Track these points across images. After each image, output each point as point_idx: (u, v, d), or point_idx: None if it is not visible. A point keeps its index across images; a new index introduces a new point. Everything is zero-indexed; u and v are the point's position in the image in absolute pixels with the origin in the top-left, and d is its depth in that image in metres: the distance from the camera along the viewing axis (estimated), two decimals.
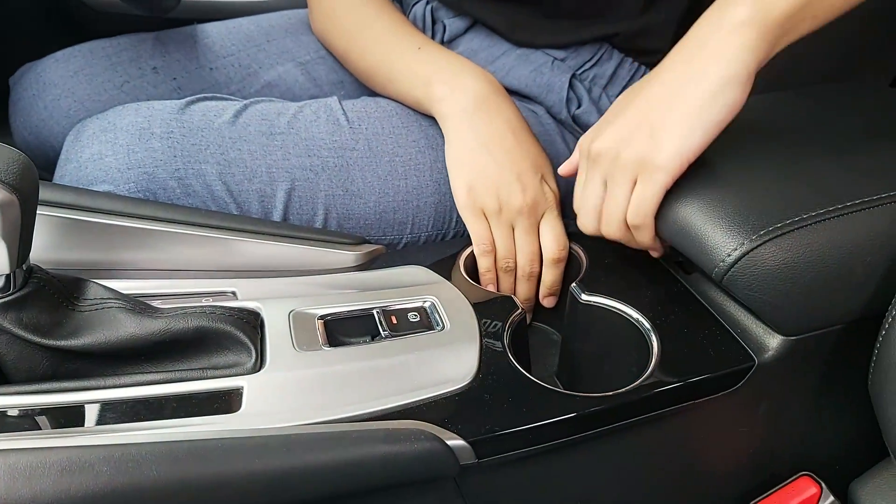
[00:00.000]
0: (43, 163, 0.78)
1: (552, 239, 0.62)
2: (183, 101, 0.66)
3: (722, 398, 0.47)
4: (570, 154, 0.69)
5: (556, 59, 0.72)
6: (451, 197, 0.67)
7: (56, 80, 0.77)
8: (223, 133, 0.64)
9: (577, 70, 0.72)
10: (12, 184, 0.37)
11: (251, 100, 0.69)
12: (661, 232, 0.50)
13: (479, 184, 0.61)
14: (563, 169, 0.61)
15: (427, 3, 0.77)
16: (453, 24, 0.75)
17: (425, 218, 0.68)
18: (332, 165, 0.65)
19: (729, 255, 0.44)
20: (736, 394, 0.47)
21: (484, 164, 0.61)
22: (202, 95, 0.69)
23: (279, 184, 0.64)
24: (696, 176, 0.48)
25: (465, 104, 0.63)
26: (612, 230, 0.52)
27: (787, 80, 0.65)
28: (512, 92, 0.74)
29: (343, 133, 0.67)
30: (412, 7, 0.79)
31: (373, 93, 0.77)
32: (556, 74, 0.72)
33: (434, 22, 0.77)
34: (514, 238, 0.63)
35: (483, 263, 0.62)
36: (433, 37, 0.77)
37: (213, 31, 0.84)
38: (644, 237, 0.51)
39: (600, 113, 0.73)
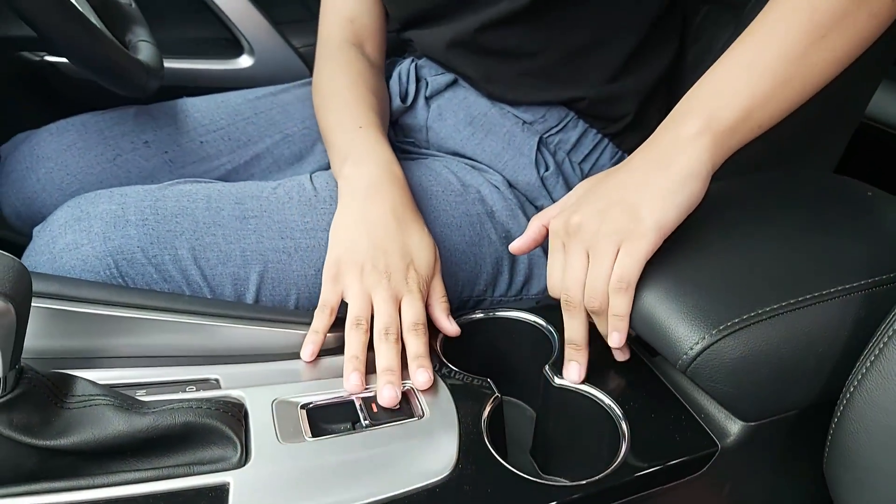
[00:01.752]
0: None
1: (410, 308, 0.59)
2: (156, 186, 0.68)
3: (688, 482, 0.49)
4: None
5: (525, 121, 0.77)
6: None
7: (50, 153, 0.79)
8: (197, 218, 0.66)
9: (544, 134, 0.77)
10: (7, 293, 0.39)
11: (225, 184, 0.71)
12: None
13: (347, 256, 0.61)
14: (515, 246, 0.62)
15: (412, 61, 0.83)
16: (435, 80, 0.81)
17: None
18: (305, 246, 0.67)
19: (691, 349, 0.47)
20: (701, 477, 0.49)
21: (356, 239, 0.62)
22: (176, 181, 0.71)
23: (252, 266, 0.66)
24: (658, 266, 0.51)
25: (359, 185, 0.65)
26: (596, 301, 0.52)
27: (738, 165, 0.70)
28: (480, 163, 0.78)
29: (315, 213, 0.69)
30: (398, 66, 0.85)
31: None
32: (525, 136, 0.77)
33: (419, 79, 0.82)
34: (372, 303, 0.60)
35: (318, 323, 0.59)
36: (416, 93, 0.82)
37: (203, 105, 0.87)
38: (622, 306, 0.52)
39: (564, 177, 0.77)
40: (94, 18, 0.66)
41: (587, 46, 0.74)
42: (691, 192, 0.50)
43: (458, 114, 0.79)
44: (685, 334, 0.47)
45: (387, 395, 0.52)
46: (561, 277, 0.55)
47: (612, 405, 0.52)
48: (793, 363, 0.47)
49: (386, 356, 0.55)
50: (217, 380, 0.53)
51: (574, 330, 0.55)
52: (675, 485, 0.49)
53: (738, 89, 0.51)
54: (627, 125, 0.78)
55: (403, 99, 0.81)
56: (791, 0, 0.51)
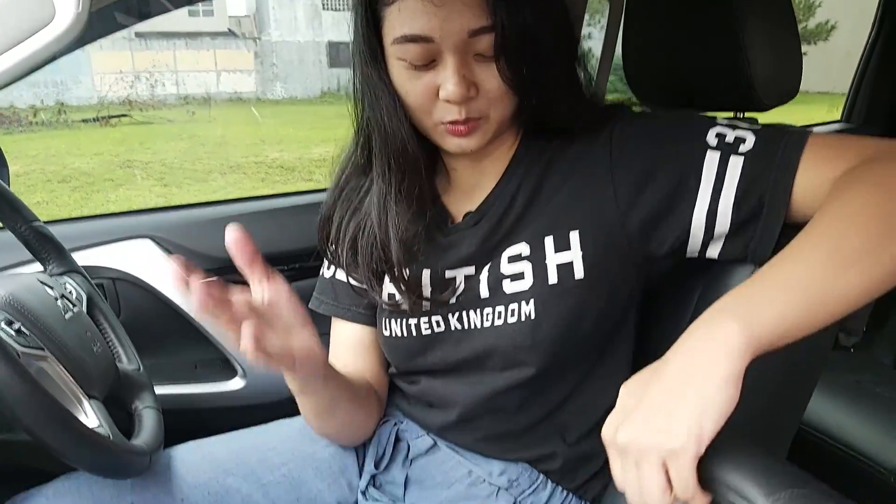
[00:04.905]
0: None
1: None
2: None
3: None
4: None
5: (501, 487, 0.83)
6: None
7: None
8: None
9: (518, 497, 0.83)
10: None
11: None
12: None
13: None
14: None
15: (395, 424, 0.90)
16: (416, 444, 0.87)
17: None
18: None
19: None
20: None
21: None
22: None
23: None
24: None
25: None
26: None
27: None
28: None
29: None
30: (378, 427, 0.91)
31: None
32: (499, 500, 0.83)
33: (398, 440, 0.89)
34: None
35: None
36: (394, 455, 0.88)
37: (188, 459, 0.90)
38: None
39: None
40: (101, 416, 0.75)
41: (566, 399, 0.82)
42: (730, 397, 0.53)
43: (435, 478, 0.86)
44: None
45: None
46: (636, 491, 0.56)
47: None
48: None
49: None
50: None
51: None
52: None
53: (773, 297, 0.55)
54: (593, 476, 0.85)
55: (378, 464, 0.88)
56: (821, 227, 0.57)
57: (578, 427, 0.83)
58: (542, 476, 0.84)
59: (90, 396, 0.78)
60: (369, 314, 0.90)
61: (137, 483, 0.86)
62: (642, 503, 0.55)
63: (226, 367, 1.32)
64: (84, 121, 11.12)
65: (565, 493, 0.85)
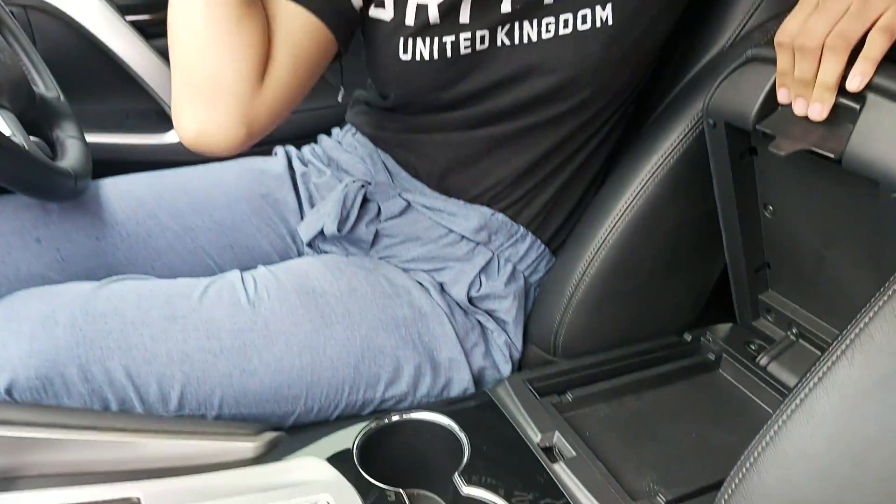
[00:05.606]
0: None
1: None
2: (90, 285, 0.69)
3: None
4: (455, 335, 0.77)
5: (479, 243, 0.81)
6: (344, 371, 0.73)
7: None
8: (126, 317, 0.67)
9: (496, 251, 0.82)
10: None
11: (158, 281, 0.73)
12: None
13: None
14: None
15: (362, 186, 0.82)
16: (388, 206, 0.82)
17: (319, 391, 0.73)
18: (230, 347, 0.69)
19: None
20: None
21: None
22: (113, 278, 0.72)
23: (178, 366, 0.67)
24: None
25: None
26: (846, 38, 0.52)
27: None
28: (415, 269, 0.82)
29: (243, 315, 0.71)
30: (343, 190, 0.81)
31: (270, 260, 0.83)
32: (476, 253, 0.82)
33: (367, 201, 0.82)
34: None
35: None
36: (361, 215, 0.82)
37: (104, 195, 0.83)
38: (880, 47, 0.52)
39: (513, 287, 0.82)
40: (14, 126, 0.67)
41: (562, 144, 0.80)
42: None
43: (409, 235, 0.82)
44: None
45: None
46: (803, 20, 0.54)
47: None
48: None
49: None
50: (139, 499, 0.55)
51: (807, 69, 0.55)
52: None
53: None
54: (563, 223, 0.85)
55: (341, 226, 0.80)
56: None
57: (562, 175, 0.82)
58: (521, 228, 0.83)
59: None
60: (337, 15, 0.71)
61: (42, 217, 0.78)
62: (806, 34, 0.53)
63: (161, 120, 1.22)
64: None
65: (539, 243, 0.84)
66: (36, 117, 0.78)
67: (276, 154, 0.97)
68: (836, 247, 0.67)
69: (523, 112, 0.77)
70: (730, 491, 0.50)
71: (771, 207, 0.72)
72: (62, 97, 0.85)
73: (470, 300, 0.81)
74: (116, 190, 0.84)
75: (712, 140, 0.69)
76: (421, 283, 0.81)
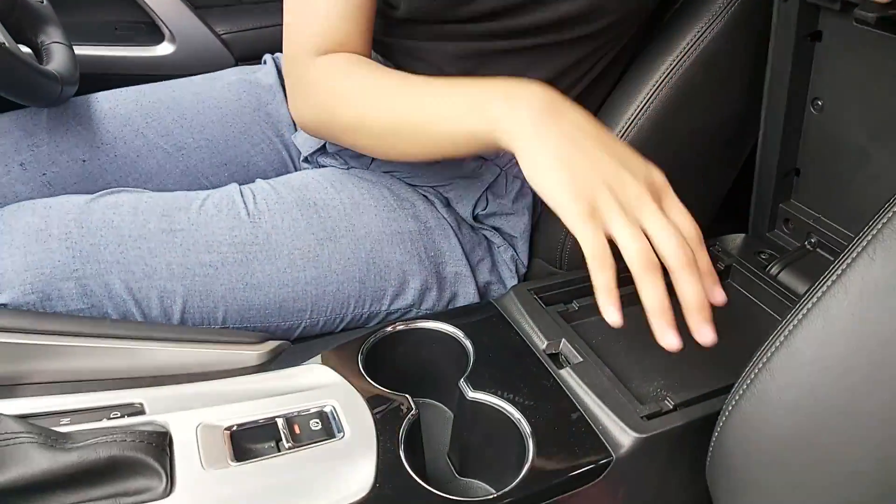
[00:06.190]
0: None
1: (684, 217, 0.54)
2: (83, 198, 0.68)
3: (586, 489, 0.54)
4: (461, 249, 0.76)
5: (488, 160, 0.79)
6: (350, 285, 0.72)
7: None
8: (123, 231, 0.66)
9: (504, 166, 0.80)
10: None
11: (154, 194, 0.71)
12: None
13: (582, 183, 0.51)
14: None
15: None
16: None
17: (324, 305, 0.73)
18: (232, 261, 0.68)
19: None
20: (598, 485, 0.54)
21: (578, 162, 0.52)
22: (106, 191, 0.70)
23: (178, 280, 0.66)
24: None
25: (530, 112, 0.54)
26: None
27: None
28: (420, 183, 0.79)
29: (243, 228, 0.70)
30: None
31: (266, 176, 0.80)
32: (484, 170, 0.79)
33: None
34: (646, 230, 0.51)
35: (600, 280, 0.49)
36: None
37: (87, 114, 0.80)
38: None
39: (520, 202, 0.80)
40: None
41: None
42: None
43: None
44: None
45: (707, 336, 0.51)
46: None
47: (521, 419, 0.56)
48: None
49: (694, 291, 0.51)
50: (141, 404, 0.54)
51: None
52: (575, 492, 0.54)
53: None
54: None
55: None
56: None
57: (575, 90, 0.79)
58: None
59: None
60: None
61: (25, 140, 0.76)
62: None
63: (152, 31, 1.17)
64: None
65: None
66: (19, 21, 0.74)
67: (265, 62, 0.93)
68: (884, 140, 0.64)
69: (543, 32, 0.72)
70: (740, 392, 0.49)
71: (819, 103, 0.69)
72: (46, 1, 0.81)
73: (476, 217, 0.80)
74: (100, 108, 0.82)
75: (780, 17, 0.65)
76: (426, 196, 0.79)
